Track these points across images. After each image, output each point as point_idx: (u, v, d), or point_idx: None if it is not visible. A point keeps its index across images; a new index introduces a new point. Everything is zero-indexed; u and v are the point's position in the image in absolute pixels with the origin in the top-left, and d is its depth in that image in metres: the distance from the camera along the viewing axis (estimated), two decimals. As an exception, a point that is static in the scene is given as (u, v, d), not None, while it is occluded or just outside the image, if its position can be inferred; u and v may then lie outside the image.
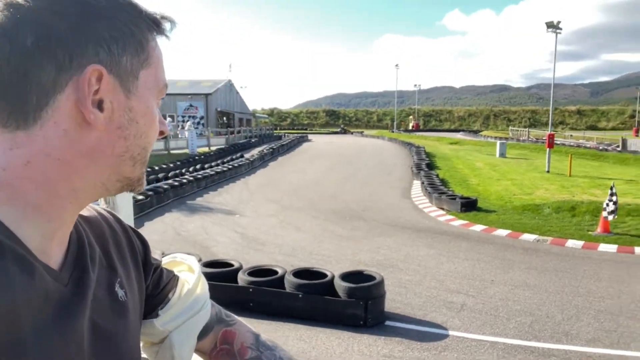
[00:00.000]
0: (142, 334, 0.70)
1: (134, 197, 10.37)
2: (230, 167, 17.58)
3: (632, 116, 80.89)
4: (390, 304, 5.50)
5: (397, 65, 65.75)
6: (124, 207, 1.19)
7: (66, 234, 0.55)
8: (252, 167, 19.70)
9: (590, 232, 9.15)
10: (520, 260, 7.59)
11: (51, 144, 0.48)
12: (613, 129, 78.72)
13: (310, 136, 44.58)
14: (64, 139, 0.48)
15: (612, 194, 8.98)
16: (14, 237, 0.47)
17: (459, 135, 48.85)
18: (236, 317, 0.83)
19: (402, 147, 30.77)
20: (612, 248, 8.17)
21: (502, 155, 24.57)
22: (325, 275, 5.38)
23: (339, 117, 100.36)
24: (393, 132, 56.26)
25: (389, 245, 8.44)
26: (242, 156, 21.88)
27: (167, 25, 0.56)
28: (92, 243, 0.60)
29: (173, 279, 0.75)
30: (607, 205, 8.95)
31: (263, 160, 22.25)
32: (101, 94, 0.49)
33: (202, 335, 0.75)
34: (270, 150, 25.28)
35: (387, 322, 5.19)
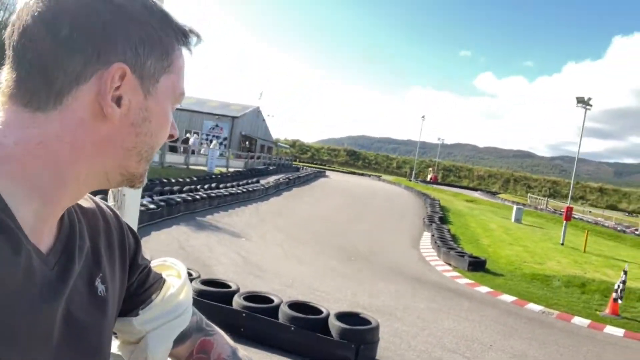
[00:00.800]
0: (119, 332, 0.71)
1: (145, 205, 10.48)
2: (244, 190, 17.68)
3: (655, 202, 79.41)
4: (383, 352, 5.34)
5: (423, 117, 66.40)
6: (131, 208, 1.21)
7: (56, 220, 0.55)
8: (266, 193, 19.78)
9: (598, 312, 8.85)
10: (523, 329, 7.35)
11: (66, 129, 0.50)
12: (633, 211, 77.22)
13: (328, 172, 44.79)
14: (79, 127, 0.51)
15: (624, 276, 8.74)
16: (9, 211, 0.48)
17: (476, 194, 48.52)
18: (217, 328, 0.82)
19: (417, 197, 30.63)
20: (619, 332, 7.86)
21: (518, 220, 24.24)
22: (320, 312, 5.28)
23: (359, 158, 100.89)
24: (410, 180, 56.18)
25: (390, 292, 8.28)
26: (258, 181, 22.02)
27: (193, 39, 0.59)
28: (84, 234, 0.60)
29: (159, 281, 0.75)
30: (619, 287, 8.69)
31: (278, 189, 22.34)
32: (121, 90, 0.52)
33: (179, 340, 0.75)
34: (287, 180, 25.42)
35: (377, 371, 5.03)
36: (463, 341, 6.36)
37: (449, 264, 11.32)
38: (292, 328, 4.94)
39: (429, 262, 11.64)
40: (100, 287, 0.60)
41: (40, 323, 0.49)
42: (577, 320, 8.27)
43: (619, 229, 30.09)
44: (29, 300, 0.48)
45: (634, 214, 66.63)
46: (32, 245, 0.50)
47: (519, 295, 9.39)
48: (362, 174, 60.58)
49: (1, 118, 0.51)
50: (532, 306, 8.77)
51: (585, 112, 20.35)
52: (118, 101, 0.52)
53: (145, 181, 0.61)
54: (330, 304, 6.52)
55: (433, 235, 14.06)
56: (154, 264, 0.78)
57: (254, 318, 5.10)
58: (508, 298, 9.11)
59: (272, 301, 5.43)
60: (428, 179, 66.92)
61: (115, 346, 0.73)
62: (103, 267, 0.62)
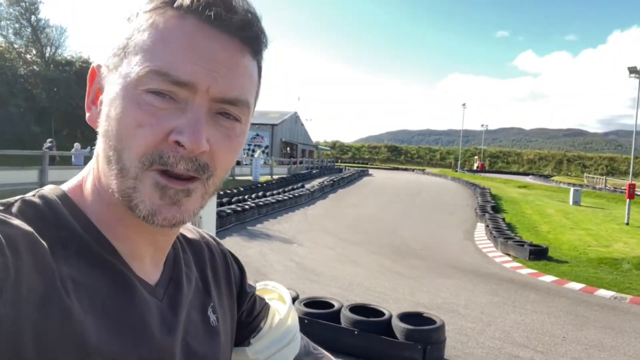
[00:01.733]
0: None
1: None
2: (290, 196, 17.84)
3: None
4: (450, 352, 5.20)
5: (464, 105, 64.80)
6: (209, 221, 1.22)
7: (162, 250, 0.55)
8: (312, 197, 19.88)
9: (678, 294, 8.25)
10: (596, 318, 6.96)
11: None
12: None
13: (370, 171, 44.50)
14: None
15: None
16: (114, 251, 0.48)
17: (528, 179, 46.69)
18: (323, 350, 0.81)
19: (465, 188, 29.83)
20: None
21: (576, 203, 23.07)
22: (382, 314, 5.21)
23: (400, 153, 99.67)
24: (456, 171, 54.80)
25: (448, 288, 8.08)
26: (302, 186, 22.17)
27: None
28: (190, 264, 0.60)
29: (265, 307, 0.75)
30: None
31: (323, 192, 22.40)
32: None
33: None
34: (331, 182, 25.44)
35: (446, 371, 4.90)
36: (533, 334, 6.09)
37: (508, 255, 10.92)
38: (356, 332, 4.90)
39: (486, 254, 11.27)
40: (212, 317, 0.59)
41: (165, 356, 0.48)
42: (655, 304, 7.74)
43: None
44: (150, 333, 0.47)
45: None
46: (140, 280, 0.50)
47: (587, 281, 8.91)
48: (405, 169, 59.73)
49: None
50: (603, 292, 8.30)
51: (640, 82, 19.13)
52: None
53: (159, 211, 0.46)
54: (390, 304, 6.43)
55: (487, 226, 13.61)
56: (257, 289, 0.77)
57: (316, 324, 5.10)
58: (575, 286, 8.67)
59: (332, 306, 5.41)
60: (475, 167, 65.01)
61: None
62: (213, 297, 0.61)
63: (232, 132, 0.48)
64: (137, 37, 0.45)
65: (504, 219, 15.31)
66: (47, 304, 0.39)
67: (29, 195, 0.47)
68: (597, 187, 38.05)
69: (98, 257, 0.46)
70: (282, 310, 0.75)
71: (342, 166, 49.13)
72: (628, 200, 17.41)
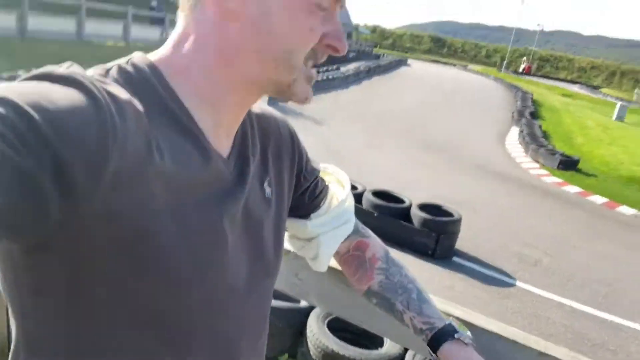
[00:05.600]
0: (291, 229, 0.79)
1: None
2: (324, 78, 17.46)
3: None
4: (460, 242, 5.46)
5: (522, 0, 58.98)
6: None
7: (233, 127, 0.59)
8: (345, 81, 19.44)
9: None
10: (612, 233, 7.07)
11: (204, 32, 0.51)
12: None
13: (409, 61, 42.58)
14: (215, 29, 0.51)
15: None
16: (195, 124, 0.52)
17: (574, 88, 44.24)
18: (371, 232, 0.89)
19: (507, 90, 28.56)
20: None
21: (620, 118, 22.02)
22: (402, 201, 5.41)
23: (444, 45, 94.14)
24: (501, 71, 52.02)
25: (470, 186, 8.21)
26: (338, 69, 21.57)
27: None
28: (256, 140, 0.64)
29: (325, 188, 0.81)
30: None
31: (358, 78, 21.82)
32: None
33: None
34: (367, 68, 24.60)
35: (455, 259, 5.21)
36: (545, 239, 6.29)
37: (537, 162, 10.80)
38: (375, 214, 5.14)
39: (514, 159, 11.19)
40: (267, 190, 0.65)
41: (231, 215, 0.56)
42: (675, 227, 7.77)
43: None
44: (221, 197, 0.54)
45: None
46: (215, 152, 0.54)
47: (611, 197, 8.88)
48: (446, 63, 56.93)
49: (179, 24, 0.54)
50: (624, 209, 8.31)
51: None
52: None
53: (304, 95, 0.56)
54: (410, 192, 6.63)
55: (522, 131, 13.29)
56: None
57: (338, 202, 5.35)
58: (598, 199, 8.67)
59: (355, 188, 5.62)
60: (520, 69, 61.46)
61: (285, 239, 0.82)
62: (269, 172, 0.66)
63: None
64: None
65: (540, 126, 14.86)
66: (146, 164, 0.44)
67: (123, 62, 0.50)
68: (647, 105, 35.89)
69: (184, 127, 0.51)
70: (339, 193, 0.82)
71: (380, 52, 47.02)
72: (677, 122, 16.50)
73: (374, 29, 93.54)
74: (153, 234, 0.45)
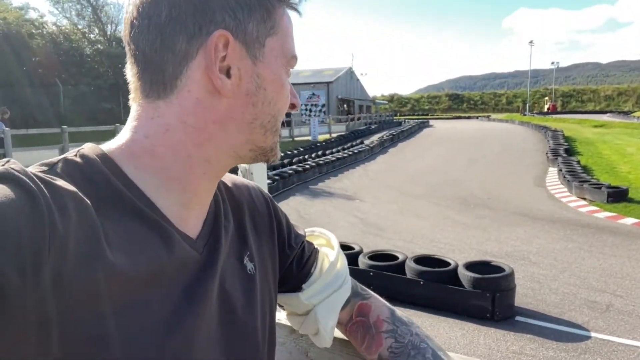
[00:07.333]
0: (286, 305, 0.74)
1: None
2: (350, 153, 17.80)
3: None
4: (521, 299, 5.09)
5: (531, 42, 60.53)
6: (260, 178, 1.24)
7: (204, 204, 0.57)
8: (371, 153, 19.72)
9: None
10: (685, 261, 6.46)
11: (186, 112, 0.51)
12: None
13: (431, 122, 43.14)
14: (197, 107, 0.51)
15: None
16: (154, 206, 0.50)
17: (605, 117, 43.23)
18: (371, 291, 0.82)
19: (535, 131, 28.20)
20: None
21: (662, 139, 21.09)
22: (448, 264, 5.17)
23: (462, 100, 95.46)
24: (525, 115, 51.74)
25: (518, 236, 7.82)
26: (361, 142, 22.00)
27: None
28: (229, 214, 0.62)
29: (314, 252, 0.77)
30: None
31: (383, 147, 22.12)
32: (228, 60, 0.50)
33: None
34: (390, 136, 25.02)
35: (517, 318, 4.81)
36: (611, 279, 5.79)
37: (584, 198, 10.30)
38: (422, 282, 4.91)
39: (559, 199, 10.71)
40: (249, 265, 0.61)
41: (201, 304, 0.52)
42: None
43: None
44: (186, 287, 0.51)
45: None
46: (181, 234, 0.51)
47: (675, 223, 8.24)
48: (468, 117, 57.31)
49: (133, 113, 0.53)
50: (693, 234, 7.65)
51: None
52: (227, 72, 0.51)
53: (279, 154, 0.60)
54: (456, 255, 6.35)
55: (560, 170, 12.85)
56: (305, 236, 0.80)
57: (381, 276, 5.17)
58: (661, 227, 8.05)
59: (396, 258, 5.44)
60: (545, 109, 60.97)
61: (283, 316, 0.78)
62: (250, 245, 0.63)
63: None
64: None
65: (578, 162, 14.37)
66: (92, 260, 0.41)
67: (70, 155, 0.50)
68: (688, 120, 34.43)
69: (140, 214, 0.48)
70: (331, 255, 0.77)
71: (401, 119, 48.01)
72: None
73: (391, 98, 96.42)
74: (99, 339, 0.41)
